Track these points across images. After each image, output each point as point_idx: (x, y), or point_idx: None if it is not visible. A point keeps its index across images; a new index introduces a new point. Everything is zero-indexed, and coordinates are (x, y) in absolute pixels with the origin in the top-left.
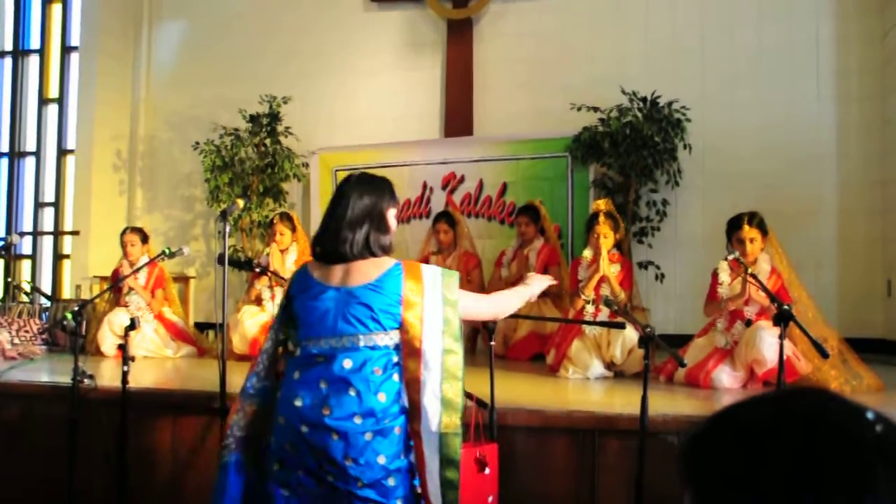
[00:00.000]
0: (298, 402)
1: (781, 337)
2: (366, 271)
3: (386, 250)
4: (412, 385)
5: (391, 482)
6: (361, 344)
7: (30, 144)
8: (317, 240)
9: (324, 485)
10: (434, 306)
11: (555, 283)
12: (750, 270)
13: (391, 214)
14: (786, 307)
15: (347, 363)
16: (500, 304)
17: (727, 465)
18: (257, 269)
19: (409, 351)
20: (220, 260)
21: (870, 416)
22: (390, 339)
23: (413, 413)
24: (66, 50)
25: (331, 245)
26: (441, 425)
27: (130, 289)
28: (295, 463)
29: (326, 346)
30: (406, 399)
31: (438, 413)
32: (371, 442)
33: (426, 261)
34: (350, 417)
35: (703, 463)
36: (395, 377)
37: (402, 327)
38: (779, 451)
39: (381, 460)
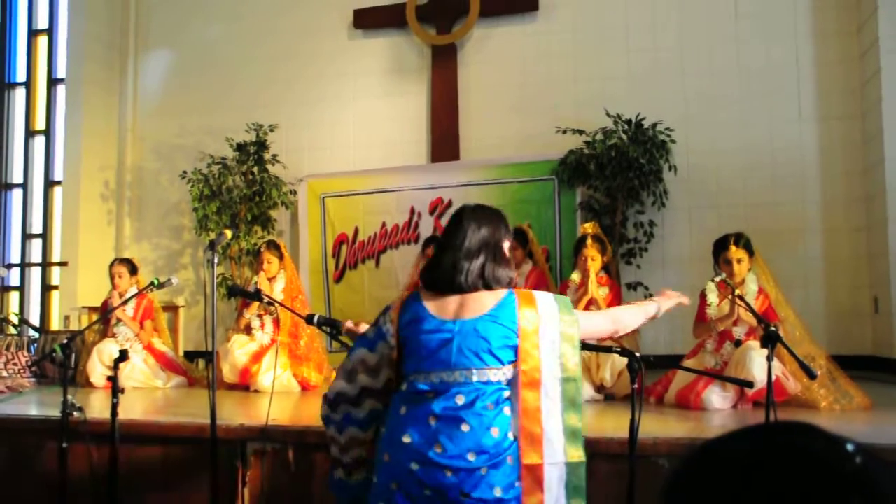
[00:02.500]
0: (407, 439)
1: (769, 358)
2: (482, 302)
3: (501, 283)
4: (531, 415)
5: None
6: (475, 379)
7: (17, 176)
8: (430, 269)
9: None
10: (552, 334)
11: (685, 301)
12: (737, 292)
13: (507, 247)
14: (773, 328)
15: (460, 399)
16: (619, 322)
17: (709, 502)
18: (265, 299)
19: (527, 381)
20: (232, 292)
21: (849, 447)
22: (503, 374)
23: (533, 444)
24: (53, 82)
25: (446, 275)
26: (566, 455)
27: (119, 320)
28: (401, 502)
29: (438, 380)
30: (518, 429)
31: (563, 443)
32: (486, 476)
33: (416, 285)
34: (464, 455)
35: (684, 500)
36: (506, 410)
37: (519, 358)
38: (759, 484)
39: (497, 492)
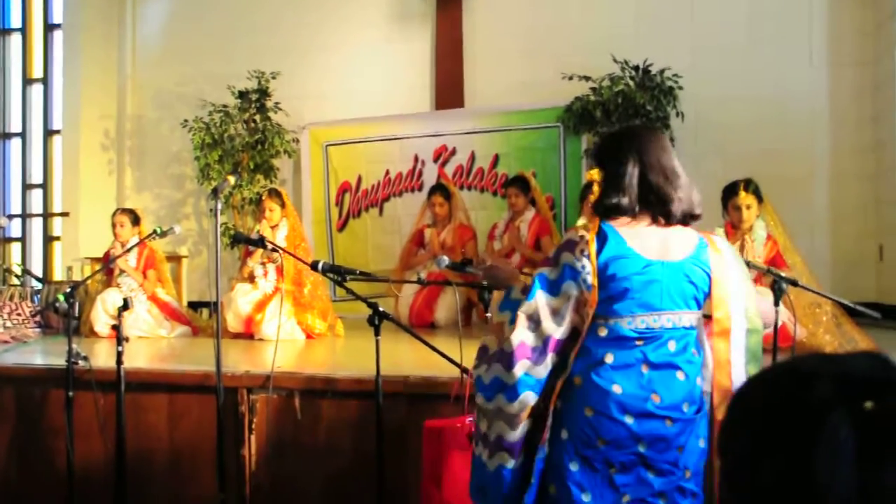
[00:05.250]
0: (618, 389)
1: (776, 304)
2: (685, 242)
3: (696, 216)
4: (723, 367)
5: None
6: (683, 324)
7: (15, 125)
8: (622, 193)
9: (644, 484)
10: (737, 283)
11: None
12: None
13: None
14: (784, 279)
15: (672, 345)
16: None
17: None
18: (269, 246)
19: (719, 330)
20: (235, 240)
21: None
22: (696, 318)
23: (724, 398)
24: (49, 28)
25: (659, 203)
26: None
27: (122, 270)
28: (606, 460)
29: (644, 325)
30: (711, 380)
31: None
32: (695, 427)
33: (421, 234)
34: (680, 404)
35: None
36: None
37: (712, 304)
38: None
39: (702, 443)
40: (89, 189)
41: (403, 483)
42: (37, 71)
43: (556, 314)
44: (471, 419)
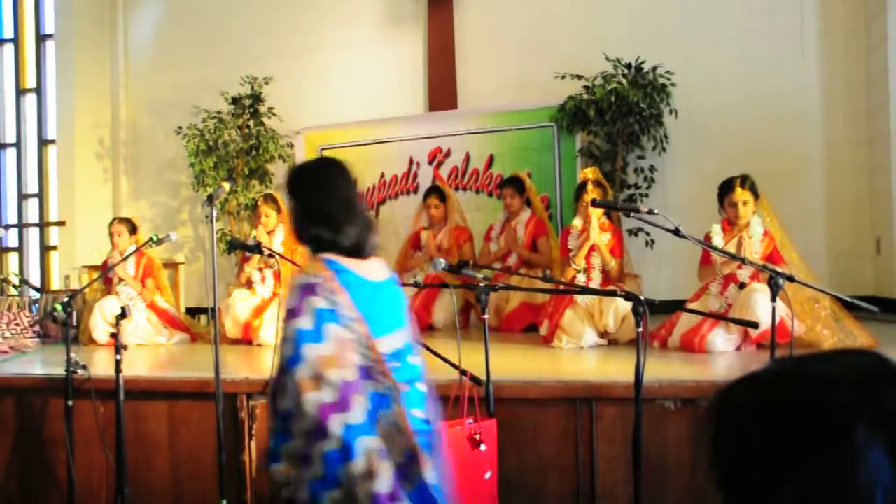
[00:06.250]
0: None
1: (773, 300)
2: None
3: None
4: None
5: None
6: None
7: (9, 136)
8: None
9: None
10: None
11: None
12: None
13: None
14: (781, 275)
15: None
16: None
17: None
18: (266, 252)
19: None
20: (232, 246)
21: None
22: None
23: None
24: (41, 38)
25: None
26: None
27: (121, 280)
28: None
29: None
30: None
31: None
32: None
33: (417, 236)
34: None
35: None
36: None
37: None
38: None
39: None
40: (85, 198)
41: None
42: (30, 81)
43: None
44: (470, 421)
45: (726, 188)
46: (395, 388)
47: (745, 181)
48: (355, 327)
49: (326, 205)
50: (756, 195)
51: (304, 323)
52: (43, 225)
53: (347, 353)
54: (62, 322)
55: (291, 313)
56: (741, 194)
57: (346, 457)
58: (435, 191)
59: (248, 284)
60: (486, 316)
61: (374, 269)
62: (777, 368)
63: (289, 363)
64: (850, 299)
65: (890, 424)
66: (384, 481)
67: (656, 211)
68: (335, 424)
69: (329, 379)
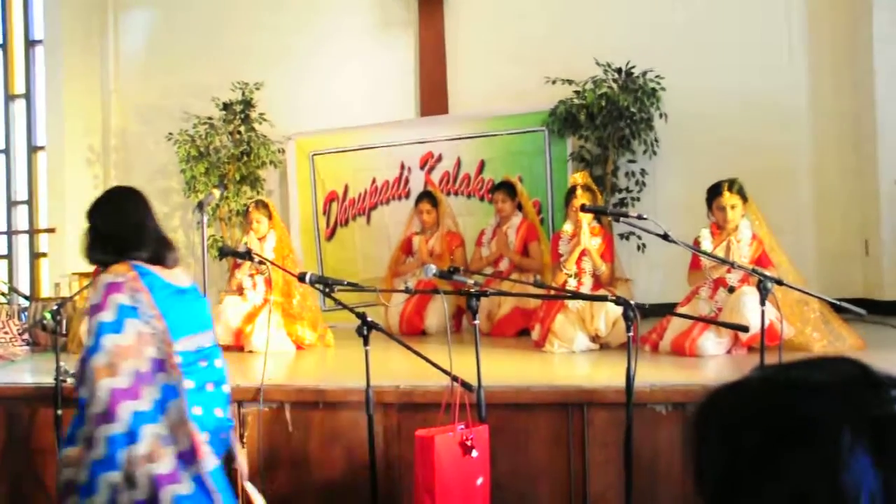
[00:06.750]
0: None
1: (762, 303)
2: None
3: None
4: None
5: None
6: None
7: None
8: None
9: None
10: None
11: None
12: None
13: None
14: (769, 279)
15: None
16: None
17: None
18: (256, 259)
19: None
20: (222, 253)
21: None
22: None
23: None
24: (30, 44)
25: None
26: None
27: None
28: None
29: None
30: None
31: None
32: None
33: (409, 241)
34: None
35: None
36: None
37: None
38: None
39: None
40: (75, 204)
41: (397, 493)
42: (19, 87)
43: None
44: (461, 427)
45: (714, 192)
46: (181, 382)
47: (733, 185)
48: (154, 323)
49: (116, 229)
50: (744, 199)
51: (107, 316)
52: (32, 232)
53: (144, 346)
54: (51, 330)
55: (95, 308)
56: (729, 198)
57: (131, 440)
58: (427, 196)
59: (240, 291)
60: (476, 321)
61: (178, 277)
62: (762, 375)
63: (89, 352)
64: (837, 302)
65: (873, 430)
66: (165, 464)
67: (645, 216)
68: (124, 410)
69: (123, 368)
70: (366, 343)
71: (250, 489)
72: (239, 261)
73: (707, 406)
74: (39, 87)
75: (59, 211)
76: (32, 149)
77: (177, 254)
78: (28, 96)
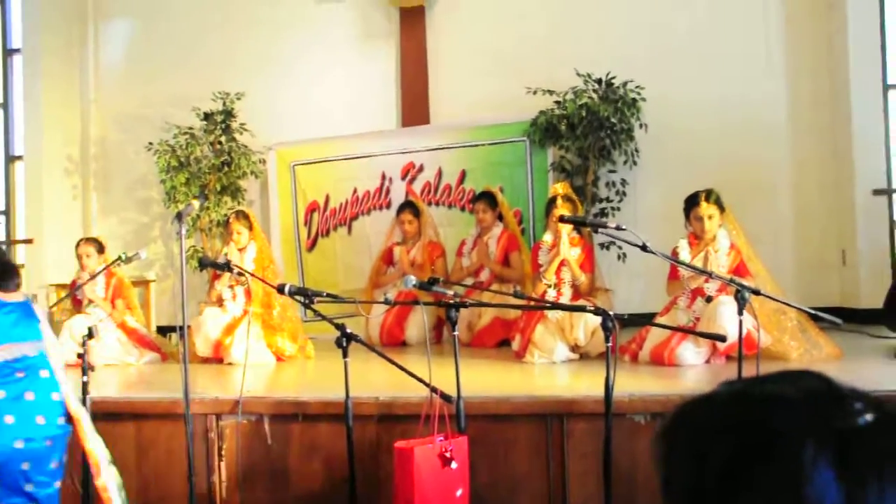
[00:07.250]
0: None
1: (740, 312)
2: None
3: None
4: None
5: None
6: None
7: None
8: None
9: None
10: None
11: None
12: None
13: None
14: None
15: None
16: None
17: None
18: (236, 271)
19: None
20: (202, 264)
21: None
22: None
23: None
24: (8, 53)
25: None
26: None
27: (90, 301)
28: None
29: None
30: None
31: None
32: None
33: (390, 252)
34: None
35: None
36: None
37: None
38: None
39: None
40: (53, 215)
41: None
42: None
43: None
44: (441, 438)
45: (692, 203)
46: None
47: (710, 195)
48: None
49: None
50: (721, 209)
51: None
52: (10, 243)
53: None
54: None
55: None
56: (706, 208)
57: None
58: (409, 206)
59: (219, 302)
60: (456, 332)
61: (13, 295)
62: (729, 390)
63: None
64: (813, 312)
65: (836, 443)
66: None
67: (624, 227)
68: None
69: None
70: (345, 355)
71: (101, 485)
72: (219, 272)
73: (674, 420)
74: (17, 96)
75: (37, 221)
76: (10, 158)
77: (18, 280)
78: (6, 105)
